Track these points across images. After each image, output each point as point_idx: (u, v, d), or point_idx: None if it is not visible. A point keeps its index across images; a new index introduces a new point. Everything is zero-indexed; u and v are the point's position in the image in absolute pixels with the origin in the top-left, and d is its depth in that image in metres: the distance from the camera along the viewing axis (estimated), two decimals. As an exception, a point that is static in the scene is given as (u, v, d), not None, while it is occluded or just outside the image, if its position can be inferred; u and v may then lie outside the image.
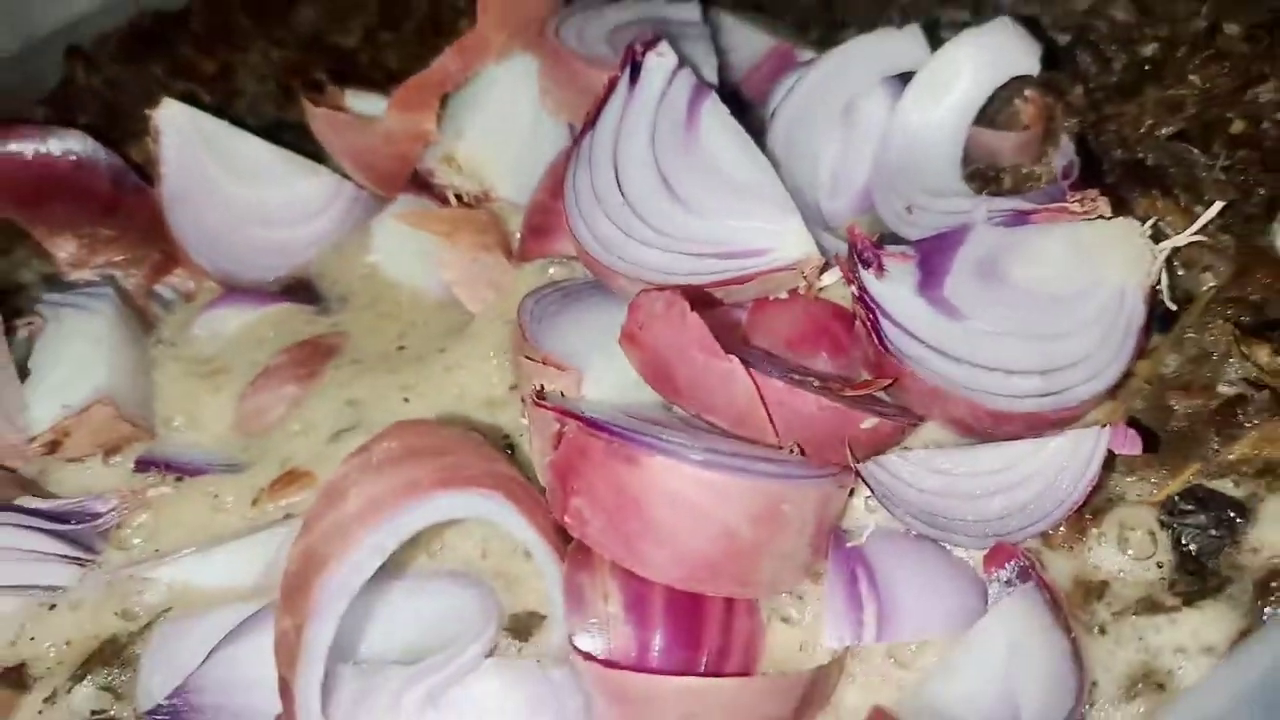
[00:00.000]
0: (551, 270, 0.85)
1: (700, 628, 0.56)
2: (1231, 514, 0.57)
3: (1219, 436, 0.60)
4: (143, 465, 0.77)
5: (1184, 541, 0.57)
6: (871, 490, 0.59)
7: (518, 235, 0.89)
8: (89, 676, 0.64)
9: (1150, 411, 0.63)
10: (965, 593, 0.57)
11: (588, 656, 0.53)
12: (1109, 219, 0.67)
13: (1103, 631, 0.55)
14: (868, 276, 0.68)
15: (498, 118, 0.91)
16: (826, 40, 1.04)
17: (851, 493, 0.61)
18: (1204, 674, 0.51)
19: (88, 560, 0.70)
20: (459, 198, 0.90)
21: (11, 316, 0.87)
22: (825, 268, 0.72)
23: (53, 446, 0.75)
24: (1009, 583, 0.56)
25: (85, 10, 1.32)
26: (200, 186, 0.93)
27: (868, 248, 0.69)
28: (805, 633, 0.57)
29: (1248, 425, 0.59)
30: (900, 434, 0.64)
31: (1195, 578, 0.55)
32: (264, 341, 0.89)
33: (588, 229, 0.74)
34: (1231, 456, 0.59)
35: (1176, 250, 0.68)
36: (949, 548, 0.60)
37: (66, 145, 0.96)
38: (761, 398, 0.60)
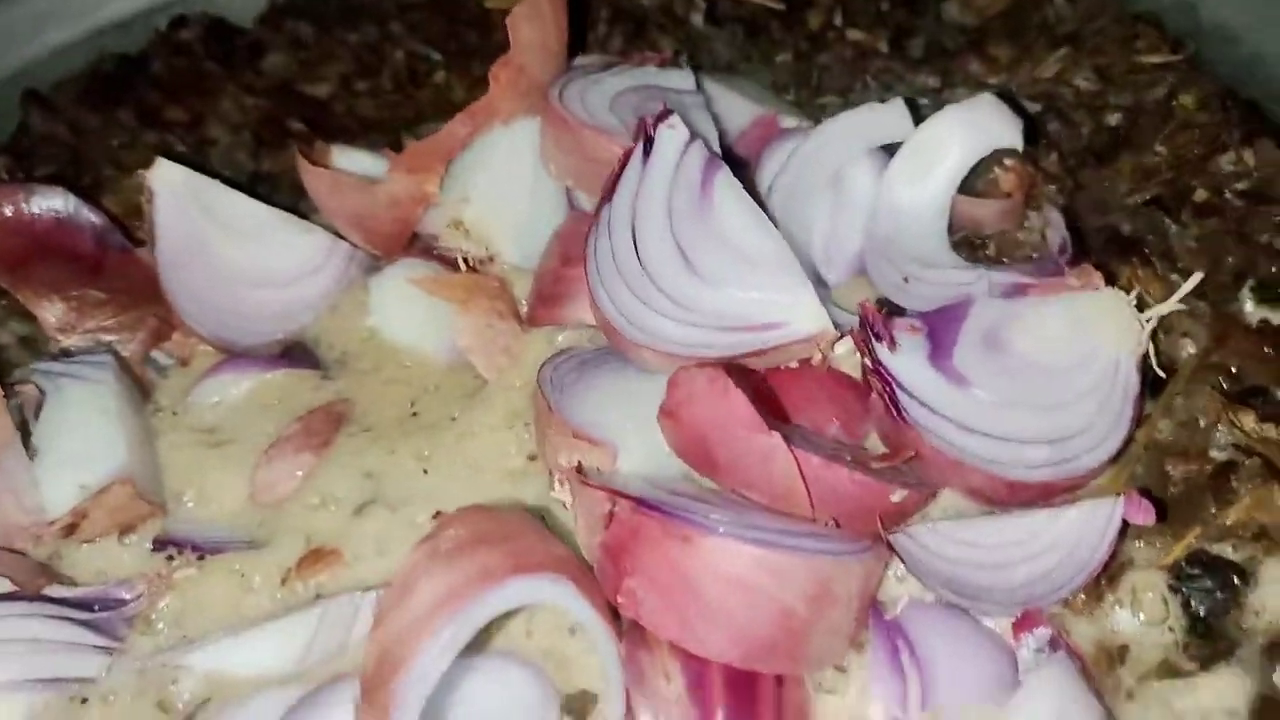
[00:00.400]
0: (560, 337, 0.87)
1: (756, 706, 0.59)
2: (1234, 577, 0.62)
3: (1215, 501, 0.65)
4: (160, 545, 0.76)
5: (1193, 605, 0.62)
6: (904, 562, 0.63)
7: (523, 301, 0.90)
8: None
9: (1149, 477, 0.68)
10: (997, 661, 0.61)
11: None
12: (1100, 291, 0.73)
13: (1130, 697, 0.59)
14: (882, 350, 0.72)
15: (500, 181, 0.93)
16: (802, 103, 1.08)
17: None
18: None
19: (114, 648, 0.70)
20: (467, 262, 0.91)
21: (-7, 380, 0.85)
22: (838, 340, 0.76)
23: (70, 529, 0.74)
24: (1040, 650, 0.60)
25: (39, 56, 1.29)
26: (195, 249, 0.92)
27: (879, 322, 0.73)
28: (851, 705, 0.60)
29: (1241, 491, 0.65)
30: (922, 504, 0.68)
31: (1206, 641, 0.60)
32: (269, 409, 0.88)
33: (610, 300, 0.77)
34: (1228, 521, 0.64)
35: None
36: (977, 616, 0.63)
37: (48, 203, 0.94)
38: (800, 473, 0.63)
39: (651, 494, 0.62)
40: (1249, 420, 0.68)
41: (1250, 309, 0.78)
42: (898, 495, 0.65)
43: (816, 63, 1.12)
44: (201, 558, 0.76)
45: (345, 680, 0.63)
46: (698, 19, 1.18)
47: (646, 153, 0.81)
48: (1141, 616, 0.62)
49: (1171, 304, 0.72)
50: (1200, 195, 0.86)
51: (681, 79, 0.98)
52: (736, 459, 0.65)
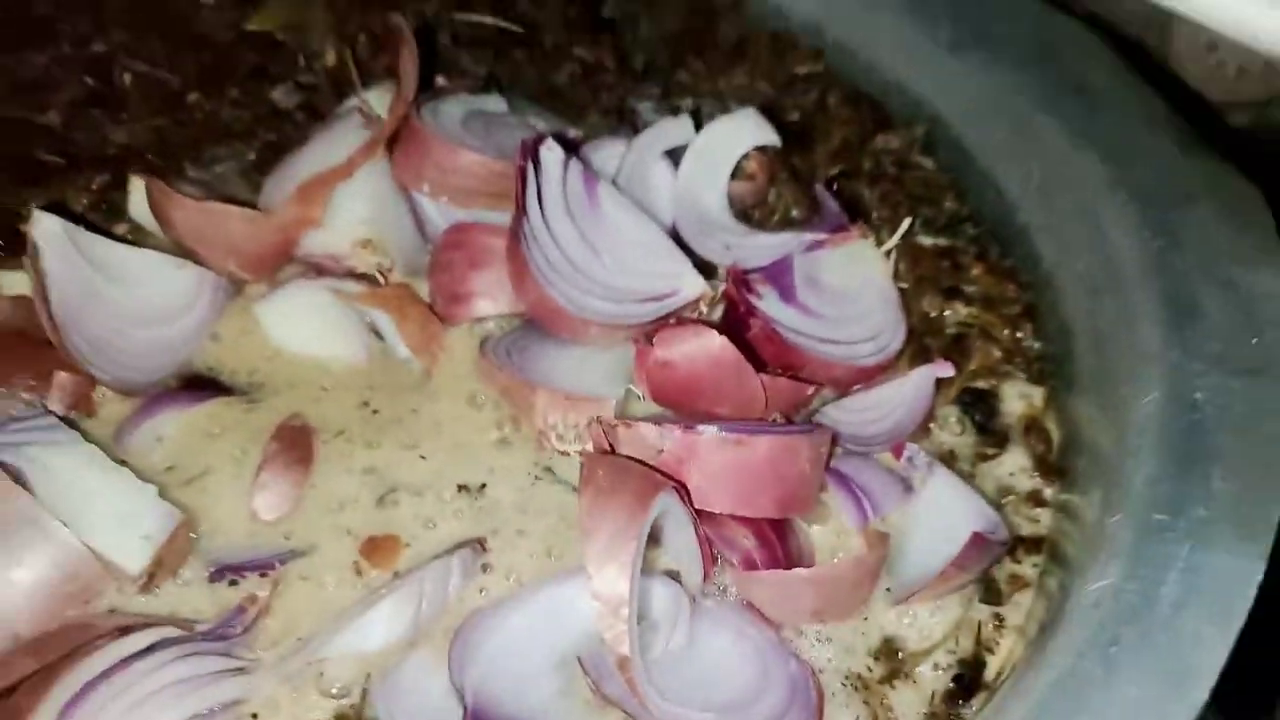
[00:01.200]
0: (478, 328, 1.03)
1: (787, 541, 0.86)
2: (988, 399, 1.03)
3: (961, 356, 1.05)
4: (219, 574, 0.81)
5: (976, 419, 1.01)
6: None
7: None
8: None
9: (920, 351, 1.07)
10: (895, 479, 0.95)
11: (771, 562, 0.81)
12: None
13: (972, 476, 0.97)
14: (753, 299, 1.02)
15: (384, 202, 1.05)
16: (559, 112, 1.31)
17: (812, 436, 0.96)
18: (1031, 484, 0.96)
19: (248, 667, 0.75)
20: (383, 275, 1.02)
21: None
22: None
23: (151, 579, 0.76)
24: (917, 465, 0.95)
25: None
26: (84, 297, 0.92)
27: (745, 279, 1.03)
28: (834, 527, 0.90)
29: (973, 349, 1.06)
30: (815, 395, 1.00)
31: (989, 436, 1.00)
32: (215, 437, 0.93)
33: (559, 293, 0.96)
34: (972, 367, 1.05)
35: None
36: (870, 455, 0.97)
37: None
38: (763, 385, 0.91)
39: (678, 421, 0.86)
40: (959, 306, 1.10)
41: (924, 239, 1.20)
42: (811, 390, 0.96)
43: (557, 79, 1.35)
44: (263, 575, 0.82)
45: (463, 625, 0.79)
46: (446, 39, 1.33)
47: (536, 172, 1.01)
48: (949, 433, 1.01)
49: (896, 239, 1.12)
50: (868, 167, 1.27)
51: (495, 103, 1.17)
52: (719, 386, 0.91)
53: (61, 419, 0.89)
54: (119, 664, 0.69)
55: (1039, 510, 0.95)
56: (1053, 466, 0.98)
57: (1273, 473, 0.73)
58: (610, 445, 0.87)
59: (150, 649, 0.70)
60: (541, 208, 0.99)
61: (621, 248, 1.01)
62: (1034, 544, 0.92)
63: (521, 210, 0.98)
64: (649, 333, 0.95)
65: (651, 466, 0.83)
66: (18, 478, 0.78)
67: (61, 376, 0.89)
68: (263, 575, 0.82)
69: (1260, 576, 0.67)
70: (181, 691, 0.70)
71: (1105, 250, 0.99)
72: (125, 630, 0.71)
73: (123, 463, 0.87)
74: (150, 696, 0.69)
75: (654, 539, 0.83)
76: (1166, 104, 1.07)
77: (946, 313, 1.10)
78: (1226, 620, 0.64)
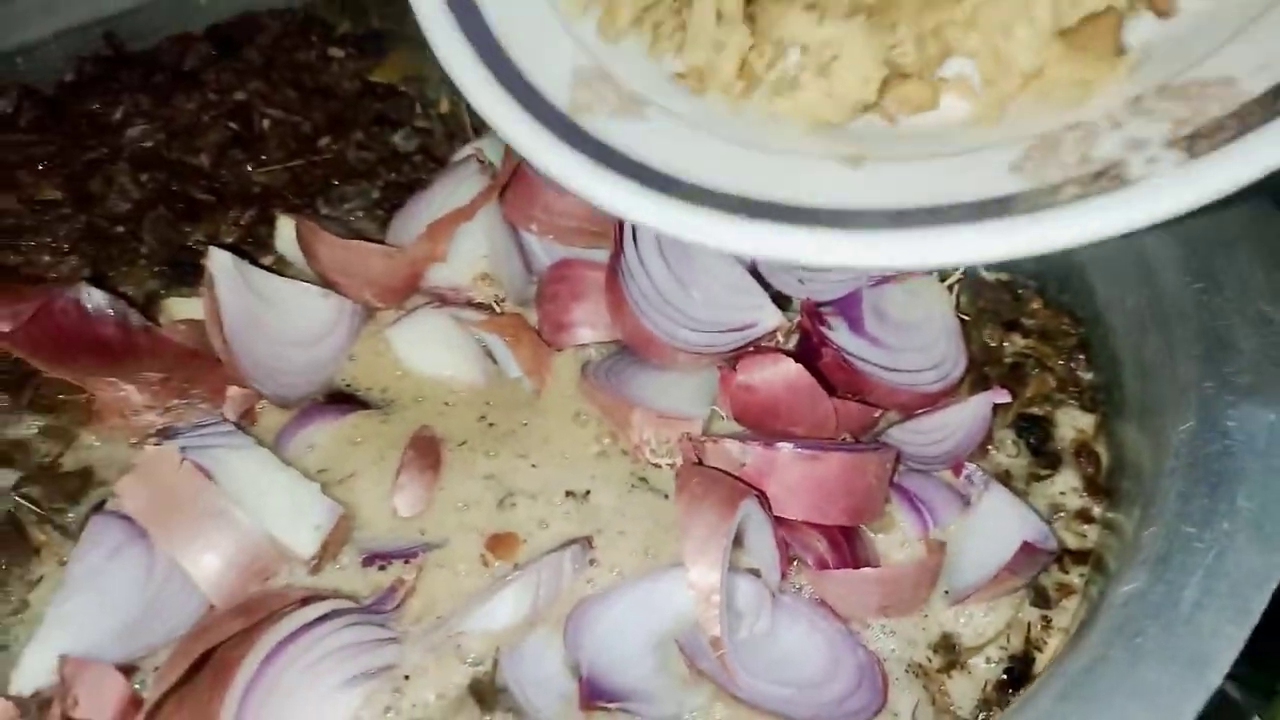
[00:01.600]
0: (583, 354, 1.17)
1: (855, 546, 0.98)
2: (1041, 424, 1.14)
3: (1017, 385, 1.16)
4: (369, 561, 0.95)
5: (1030, 442, 1.12)
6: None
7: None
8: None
9: (980, 379, 1.18)
10: (953, 495, 1.06)
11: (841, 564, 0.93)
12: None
13: (1026, 494, 1.08)
14: (825, 330, 1.14)
15: (493, 237, 1.19)
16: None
17: (879, 454, 1.07)
18: (1081, 502, 1.06)
19: (398, 638, 0.89)
20: (499, 305, 1.16)
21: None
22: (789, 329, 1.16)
23: (318, 563, 0.91)
24: (975, 482, 1.06)
25: None
26: (249, 321, 1.07)
27: (817, 311, 1.15)
28: (899, 536, 1.02)
29: (1029, 377, 1.17)
30: (880, 418, 1.11)
31: (1042, 458, 1.11)
32: (358, 445, 1.07)
33: (654, 324, 1.09)
34: (1029, 395, 1.16)
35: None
36: (931, 473, 1.08)
37: (73, 295, 1.03)
38: (834, 408, 1.03)
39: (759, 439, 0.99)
40: (1018, 338, 1.21)
41: (985, 274, 1.30)
42: (878, 413, 1.08)
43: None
44: (406, 562, 0.96)
45: (575, 610, 0.92)
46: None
47: (635, 216, 1.14)
48: (1006, 455, 1.11)
49: (958, 275, 1.23)
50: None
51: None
52: (794, 408, 1.03)
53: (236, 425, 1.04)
54: (302, 628, 0.83)
55: (1086, 526, 1.05)
56: (1101, 487, 1.08)
57: (1291, 493, 0.82)
58: (698, 458, 1.00)
59: (325, 617, 0.84)
60: (637, 246, 1.12)
61: (707, 282, 1.14)
62: (1081, 556, 1.02)
63: (619, 248, 1.12)
64: (732, 359, 1.07)
65: (735, 477, 0.96)
66: (207, 475, 0.92)
67: (234, 390, 1.04)
68: (406, 562, 0.96)
69: (1275, 581, 0.77)
70: (348, 655, 0.84)
71: (1152, 290, 1.08)
72: (306, 601, 0.86)
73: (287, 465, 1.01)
74: (326, 656, 0.83)
75: (737, 541, 0.95)
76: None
77: (1005, 344, 1.20)
78: (1243, 618, 0.74)
